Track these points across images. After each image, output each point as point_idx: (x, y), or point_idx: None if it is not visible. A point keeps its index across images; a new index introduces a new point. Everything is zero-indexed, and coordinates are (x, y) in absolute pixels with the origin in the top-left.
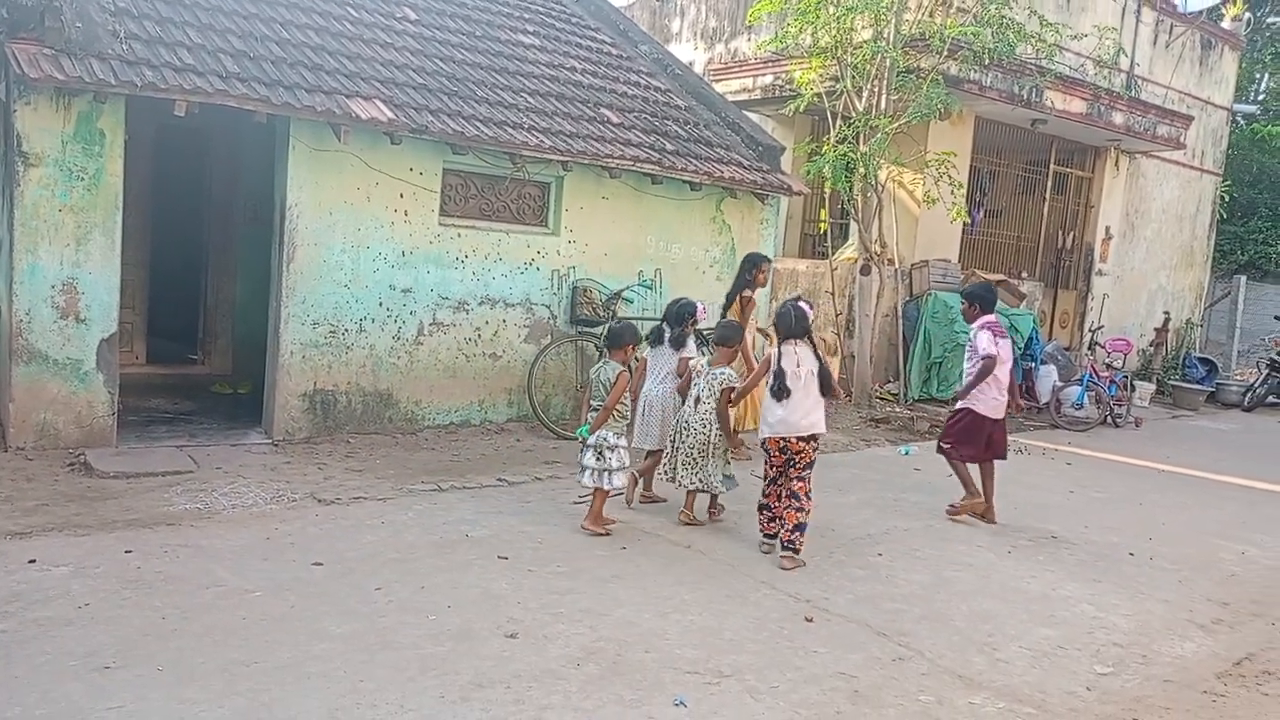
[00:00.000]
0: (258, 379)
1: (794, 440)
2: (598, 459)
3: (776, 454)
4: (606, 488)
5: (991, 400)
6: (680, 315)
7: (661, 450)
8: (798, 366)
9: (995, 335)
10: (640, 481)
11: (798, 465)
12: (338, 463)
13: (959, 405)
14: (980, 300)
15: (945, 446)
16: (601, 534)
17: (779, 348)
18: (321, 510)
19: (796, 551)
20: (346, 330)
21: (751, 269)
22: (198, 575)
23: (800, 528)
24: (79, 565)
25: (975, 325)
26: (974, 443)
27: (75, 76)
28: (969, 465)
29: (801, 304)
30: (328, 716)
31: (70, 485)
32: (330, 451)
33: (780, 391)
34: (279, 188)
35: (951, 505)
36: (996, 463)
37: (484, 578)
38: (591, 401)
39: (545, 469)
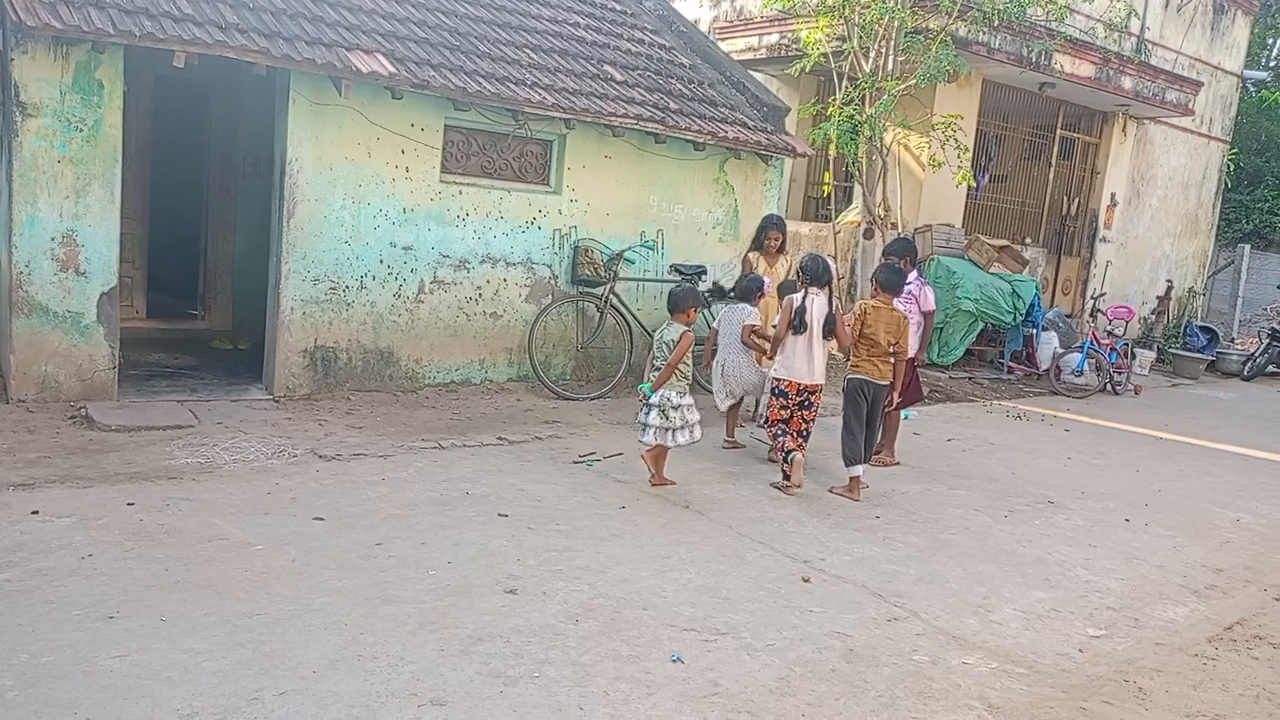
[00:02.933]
0: (258, 335)
1: (810, 385)
2: (663, 418)
3: (795, 395)
4: (670, 445)
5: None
6: (749, 290)
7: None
8: (810, 314)
9: (930, 287)
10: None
11: (811, 408)
12: (338, 419)
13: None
14: (913, 254)
15: (900, 400)
16: (670, 484)
17: (803, 294)
18: (322, 466)
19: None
20: (347, 287)
21: (762, 232)
22: (200, 528)
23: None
24: (81, 517)
25: (915, 279)
26: None
27: (73, 25)
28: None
29: (828, 259)
30: (329, 667)
31: (72, 438)
32: (331, 408)
33: (800, 326)
34: (279, 142)
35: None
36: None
37: (484, 534)
38: (654, 361)
39: (545, 428)
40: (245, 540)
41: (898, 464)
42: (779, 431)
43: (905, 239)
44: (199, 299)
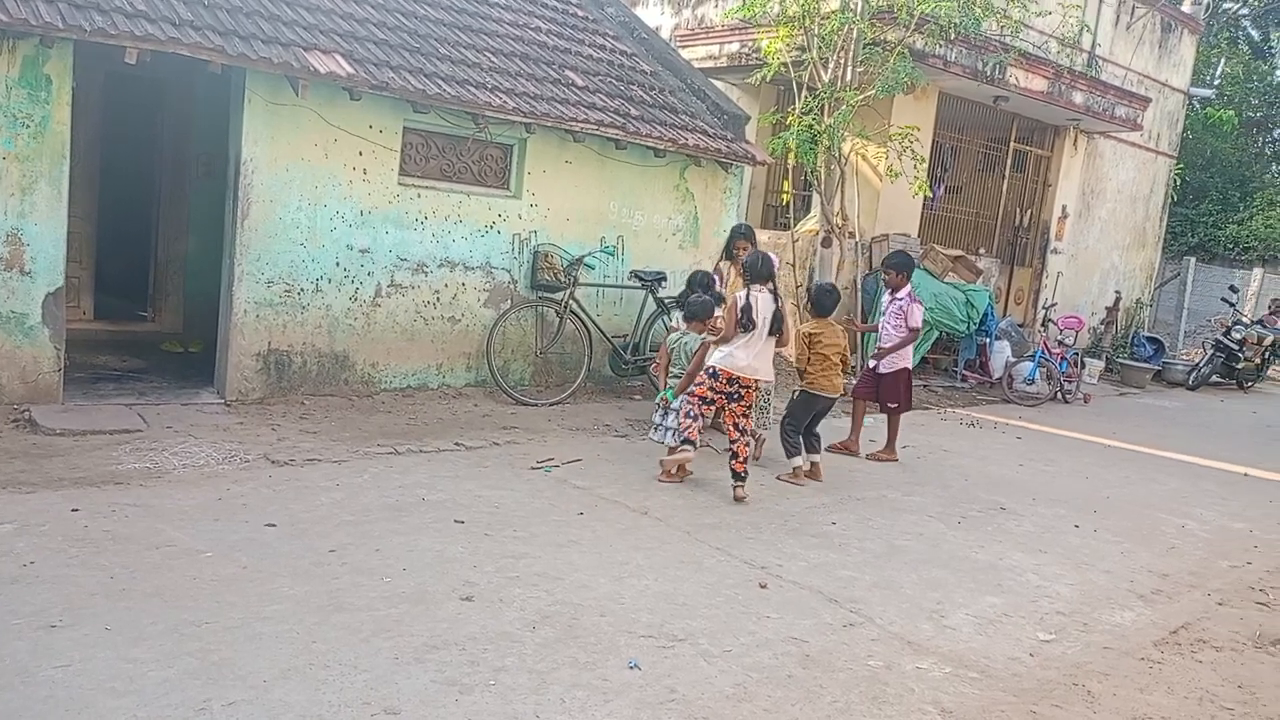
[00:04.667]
0: (209, 338)
1: (744, 379)
2: (675, 420)
3: (725, 384)
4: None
5: (908, 354)
6: (701, 311)
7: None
8: (756, 311)
9: (920, 305)
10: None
11: (742, 400)
12: (292, 424)
13: (896, 367)
14: (909, 270)
15: (893, 406)
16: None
17: (746, 290)
18: (275, 471)
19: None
20: (302, 290)
21: (731, 242)
22: (147, 535)
23: (746, 460)
24: (24, 523)
25: (905, 295)
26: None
27: (20, 19)
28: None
29: (771, 255)
30: (280, 677)
31: (14, 442)
32: (284, 413)
33: (749, 324)
34: (234, 142)
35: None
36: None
37: (440, 541)
38: (672, 369)
39: (503, 434)
40: (194, 547)
41: (896, 459)
42: (690, 413)
43: (904, 253)
44: (149, 300)
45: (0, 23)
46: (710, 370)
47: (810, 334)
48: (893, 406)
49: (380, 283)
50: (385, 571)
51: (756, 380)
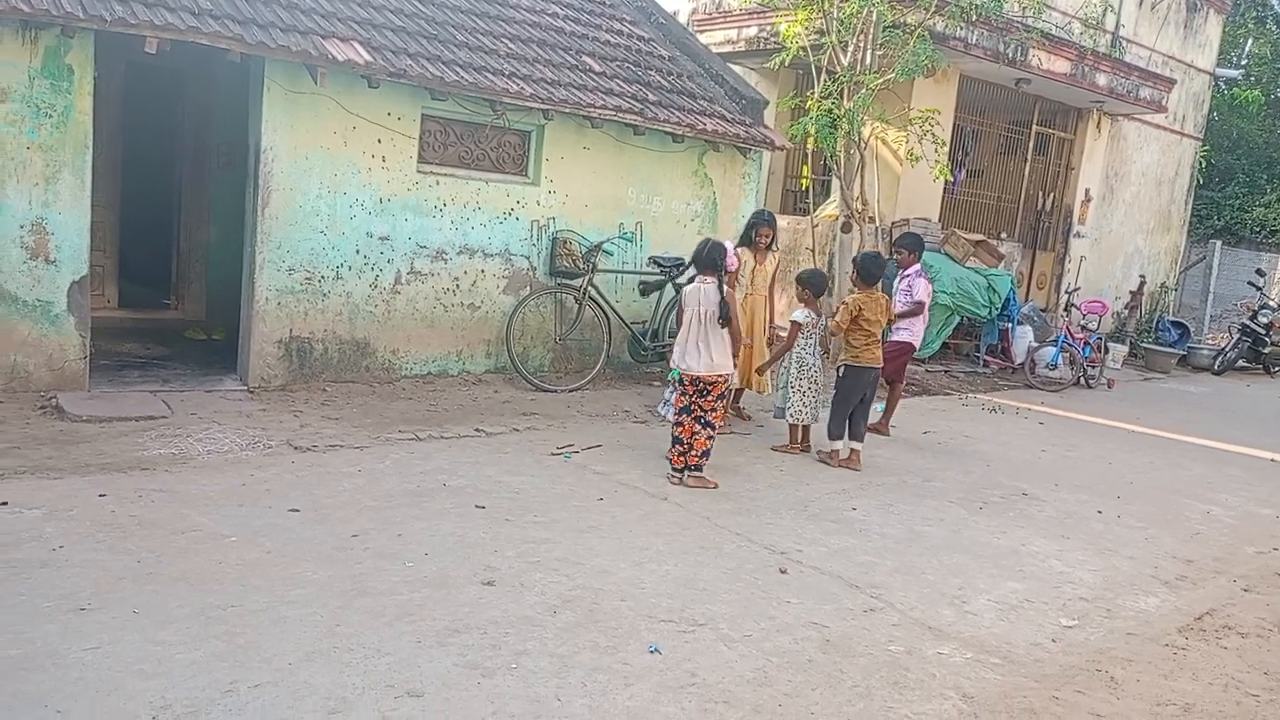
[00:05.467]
0: (232, 325)
1: (705, 376)
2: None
3: (689, 384)
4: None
5: (918, 332)
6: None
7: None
8: (699, 305)
9: (926, 280)
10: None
11: (709, 396)
12: (314, 410)
13: (900, 340)
14: (919, 249)
15: (896, 379)
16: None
17: (695, 283)
18: (298, 457)
19: (702, 471)
20: (323, 277)
21: (751, 228)
22: (173, 520)
23: (707, 454)
24: (52, 508)
25: (913, 271)
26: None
27: (42, 9)
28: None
29: (725, 242)
30: (305, 659)
31: (42, 428)
32: (306, 399)
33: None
34: (253, 130)
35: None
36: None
37: (461, 526)
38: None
39: (523, 420)
40: (219, 532)
41: (888, 435)
42: (675, 432)
43: (914, 234)
44: (172, 288)
45: (22, 13)
46: (678, 377)
47: (857, 305)
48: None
49: (400, 270)
50: (407, 556)
51: (719, 376)
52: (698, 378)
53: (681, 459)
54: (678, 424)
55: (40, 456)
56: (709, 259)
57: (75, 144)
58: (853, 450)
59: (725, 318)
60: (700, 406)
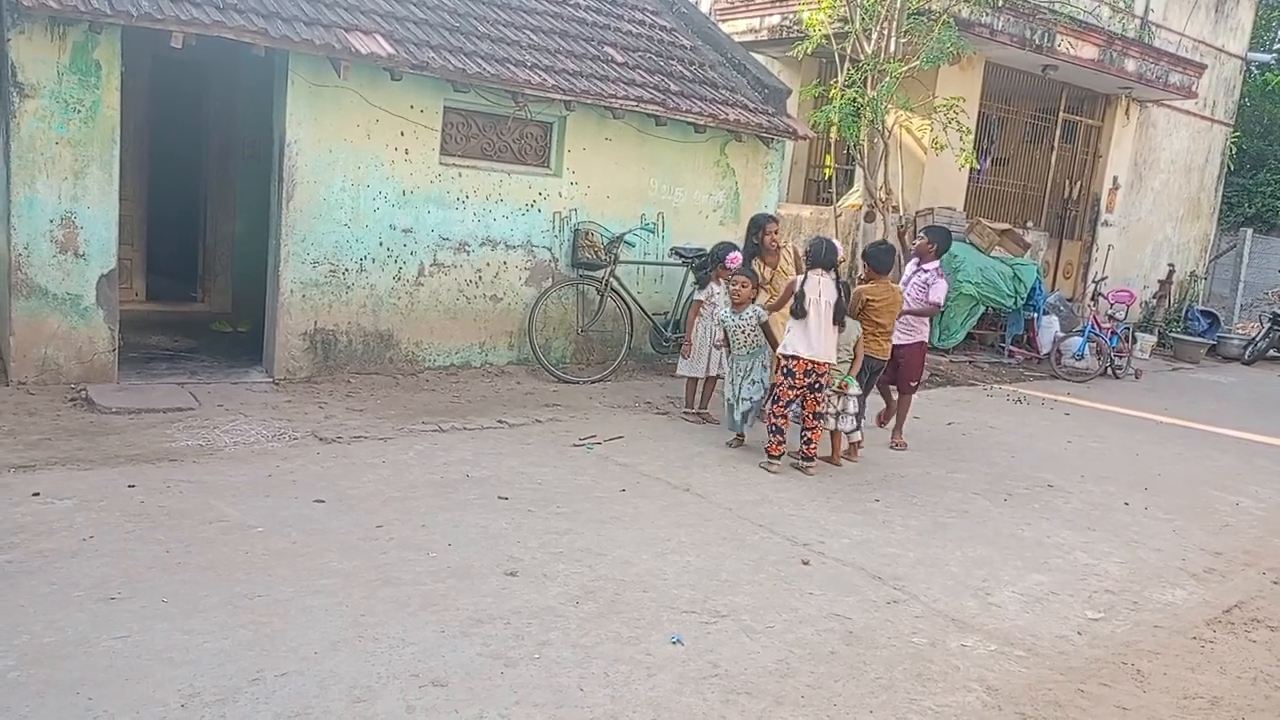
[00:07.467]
0: (257, 317)
1: (819, 364)
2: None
3: (802, 376)
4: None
5: (924, 330)
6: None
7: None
8: (819, 296)
9: (945, 281)
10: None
11: (821, 388)
12: (339, 402)
13: (915, 339)
14: (946, 246)
15: (914, 385)
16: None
17: (805, 276)
18: (323, 449)
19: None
20: (347, 270)
21: (757, 232)
22: (201, 510)
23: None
24: (82, 499)
25: (933, 268)
26: None
27: (70, 5)
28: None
29: (834, 240)
30: (330, 648)
31: (72, 420)
32: (331, 391)
33: (799, 312)
34: (277, 124)
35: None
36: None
37: (484, 517)
38: (734, 350)
39: (545, 412)
40: (246, 522)
41: (905, 446)
42: (775, 426)
43: (945, 229)
44: (198, 281)
45: (50, 9)
46: (785, 367)
47: (866, 294)
48: (914, 385)
49: (423, 262)
50: (431, 547)
51: (828, 363)
52: (813, 366)
53: (781, 448)
54: (781, 415)
55: (71, 448)
56: (827, 259)
57: (103, 139)
58: (853, 443)
59: (840, 321)
60: (815, 399)
